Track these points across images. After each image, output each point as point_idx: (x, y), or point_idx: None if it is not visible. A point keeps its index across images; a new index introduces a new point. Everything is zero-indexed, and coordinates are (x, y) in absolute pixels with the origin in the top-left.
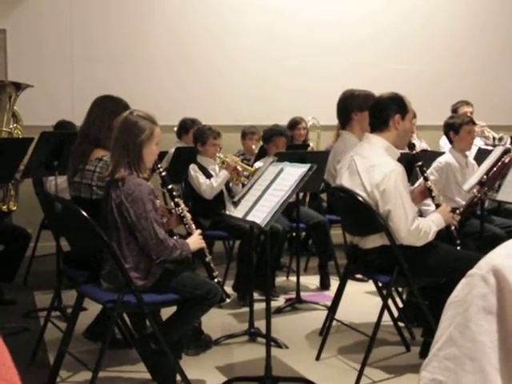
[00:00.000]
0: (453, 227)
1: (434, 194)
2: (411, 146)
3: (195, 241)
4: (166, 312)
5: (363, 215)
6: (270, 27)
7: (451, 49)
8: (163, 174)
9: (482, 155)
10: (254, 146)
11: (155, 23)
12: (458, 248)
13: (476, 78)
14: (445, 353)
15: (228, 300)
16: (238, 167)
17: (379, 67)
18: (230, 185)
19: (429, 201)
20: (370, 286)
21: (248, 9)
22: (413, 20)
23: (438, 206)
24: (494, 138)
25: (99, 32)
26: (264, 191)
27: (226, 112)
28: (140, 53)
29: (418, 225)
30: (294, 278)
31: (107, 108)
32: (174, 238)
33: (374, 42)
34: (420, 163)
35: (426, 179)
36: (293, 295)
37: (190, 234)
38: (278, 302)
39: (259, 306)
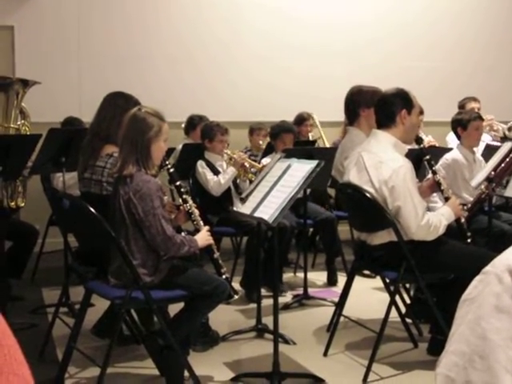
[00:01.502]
0: (463, 220)
1: (443, 188)
2: (418, 140)
3: (203, 237)
4: (174, 308)
5: (371, 211)
6: (275, 27)
7: (461, 46)
8: (171, 170)
9: (489, 151)
10: (261, 142)
11: (160, 22)
12: (469, 241)
13: (486, 76)
14: (455, 349)
15: (236, 297)
16: (246, 163)
17: (388, 65)
18: (238, 181)
19: (436, 198)
20: (377, 282)
21: (253, 9)
22: (423, 18)
23: (447, 199)
24: (503, 130)
25: (105, 29)
26: (271, 187)
27: (228, 111)
28: (145, 51)
29: (427, 220)
30: (301, 274)
31: (118, 104)
32: (182, 234)
33: (383, 40)
34: (428, 157)
35: (434, 173)
36: (300, 291)
37: (197, 230)
38: (286, 298)
39: (267, 302)
